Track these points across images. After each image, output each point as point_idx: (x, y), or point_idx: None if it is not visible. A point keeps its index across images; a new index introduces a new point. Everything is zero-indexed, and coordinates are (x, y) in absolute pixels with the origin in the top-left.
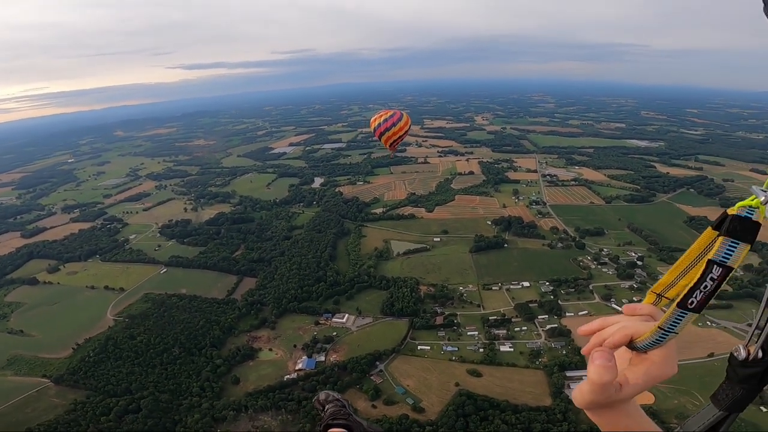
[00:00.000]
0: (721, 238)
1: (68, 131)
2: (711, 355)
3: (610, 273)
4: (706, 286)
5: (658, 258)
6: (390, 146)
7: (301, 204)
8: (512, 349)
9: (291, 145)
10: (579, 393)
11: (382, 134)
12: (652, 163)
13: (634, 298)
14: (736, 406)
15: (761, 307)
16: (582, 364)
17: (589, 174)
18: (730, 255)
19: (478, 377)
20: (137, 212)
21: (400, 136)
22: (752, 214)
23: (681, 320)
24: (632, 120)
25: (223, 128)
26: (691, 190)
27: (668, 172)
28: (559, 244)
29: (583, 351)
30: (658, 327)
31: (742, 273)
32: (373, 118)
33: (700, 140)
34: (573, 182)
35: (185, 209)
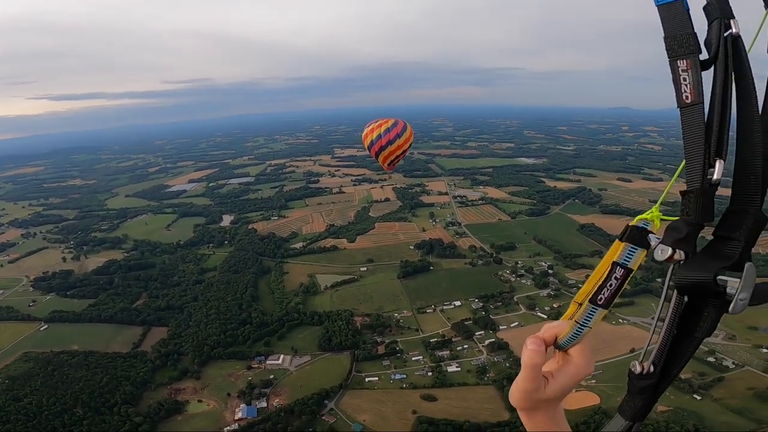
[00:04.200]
0: (622, 244)
1: None
2: (632, 350)
3: (529, 284)
4: (611, 285)
5: (564, 265)
6: (388, 165)
7: (211, 245)
8: (459, 369)
9: (191, 181)
10: (513, 386)
11: (379, 151)
12: (541, 179)
13: (554, 305)
14: (638, 416)
15: (651, 329)
16: None
17: (492, 192)
18: (630, 258)
19: (434, 401)
20: (1, 265)
21: (404, 151)
22: (647, 226)
23: (593, 315)
24: (519, 140)
25: (105, 165)
26: (576, 200)
27: (555, 186)
28: (480, 262)
29: None
30: (575, 321)
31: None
32: (366, 131)
33: (573, 155)
34: (480, 201)
35: (64, 259)
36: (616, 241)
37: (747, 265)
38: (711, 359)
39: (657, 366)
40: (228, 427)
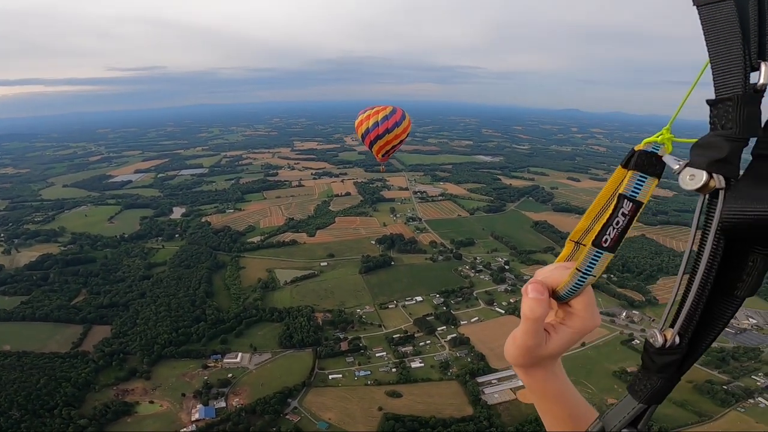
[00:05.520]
0: (630, 172)
1: None
2: (583, 344)
3: (487, 279)
4: (618, 222)
5: (519, 261)
6: (383, 156)
7: (160, 238)
8: (423, 364)
9: (138, 171)
10: (510, 341)
11: (375, 140)
12: (497, 176)
13: (511, 300)
14: (655, 398)
15: (675, 287)
16: (487, 369)
17: (452, 189)
18: (639, 188)
19: (399, 398)
20: None
21: (401, 141)
22: (658, 150)
23: (597, 260)
24: (477, 138)
25: (40, 154)
26: (530, 198)
27: (510, 184)
28: (440, 257)
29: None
30: (576, 269)
31: None
32: (361, 118)
33: (527, 154)
34: (440, 197)
35: None
36: (619, 167)
37: None
38: None
39: (684, 336)
40: (185, 429)
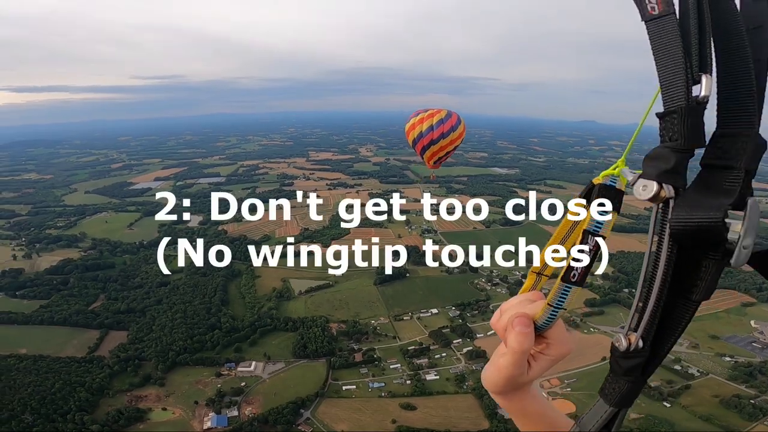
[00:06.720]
0: (590, 206)
1: None
2: (604, 359)
3: (504, 292)
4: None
5: None
6: (434, 164)
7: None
8: (438, 377)
9: (157, 179)
10: (494, 371)
11: (428, 146)
12: (514, 189)
13: None
14: (624, 401)
15: (637, 293)
16: None
17: (467, 201)
18: (602, 223)
19: (413, 410)
20: None
21: (455, 146)
22: (615, 183)
23: (567, 294)
24: (492, 150)
25: (64, 160)
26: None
27: (527, 196)
28: (456, 270)
29: (491, 323)
30: (548, 304)
31: (601, 282)
32: (413, 121)
33: (544, 167)
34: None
35: (14, 256)
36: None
37: (750, 200)
38: (677, 367)
39: (647, 340)
40: None
